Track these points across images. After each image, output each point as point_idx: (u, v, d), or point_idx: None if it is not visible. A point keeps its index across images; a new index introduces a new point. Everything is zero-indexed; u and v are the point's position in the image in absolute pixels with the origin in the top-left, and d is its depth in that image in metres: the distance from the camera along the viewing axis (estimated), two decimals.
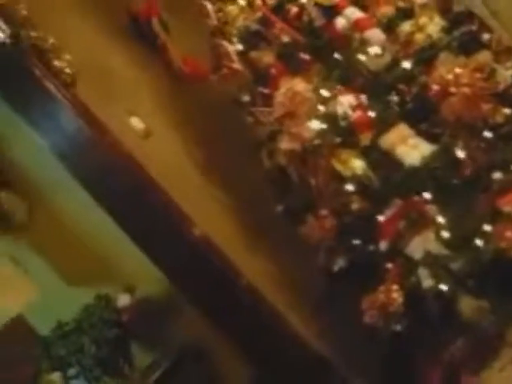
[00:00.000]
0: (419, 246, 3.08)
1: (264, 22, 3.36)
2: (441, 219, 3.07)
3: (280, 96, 3.22)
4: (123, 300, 3.41)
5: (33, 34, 3.40)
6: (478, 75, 3.10)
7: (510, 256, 2.93)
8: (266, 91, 3.31)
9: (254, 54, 3.34)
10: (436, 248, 3.05)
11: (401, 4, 3.31)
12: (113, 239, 3.34)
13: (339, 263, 3.25)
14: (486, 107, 3.10)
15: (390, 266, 3.09)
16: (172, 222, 3.30)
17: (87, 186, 3.27)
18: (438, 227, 3.05)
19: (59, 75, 3.40)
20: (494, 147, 3.10)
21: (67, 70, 3.44)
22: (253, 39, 3.37)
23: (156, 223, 3.28)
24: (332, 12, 3.31)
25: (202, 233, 3.28)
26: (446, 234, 3.04)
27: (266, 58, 3.31)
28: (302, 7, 3.33)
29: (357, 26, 3.26)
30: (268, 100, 3.29)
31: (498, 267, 2.96)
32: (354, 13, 3.29)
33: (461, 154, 3.07)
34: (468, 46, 3.21)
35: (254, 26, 3.37)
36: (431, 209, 3.08)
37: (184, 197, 3.32)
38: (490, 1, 4.27)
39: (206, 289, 3.25)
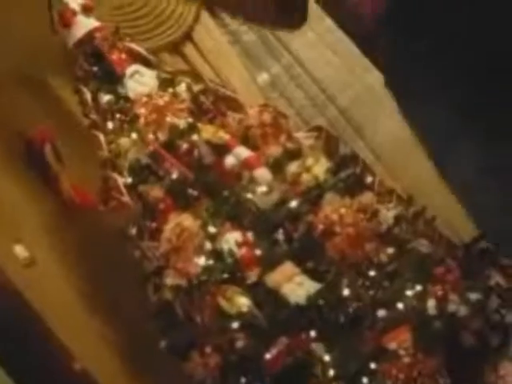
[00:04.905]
0: None
1: (155, 156, 3.38)
2: (327, 357, 3.07)
3: (167, 231, 3.21)
4: None
5: None
6: (361, 216, 3.21)
7: None
8: (153, 225, 3.30)
9: (142, 188, 3.34)
10: None
11: (289, 145, 3.41)
12: None
13: None
14: (369, 246, 3.19)
15: None
16: (51, 355, 3.19)
17: None
18: (324, 365, 3.05)
19: None
20: (378, 285, 3.17)
21: None
22: (143, 173, 3.38)
23: (34, 356, 3.16)
24: (222, 150, 3.38)
25: (82, 367, 3.18)
26: (331, 373, 3.04)
27: (155, 192, 3.31)
28: (192, 144, 3.37)
29: (245, 164, 3.33)
30: (155, 234, 3.27)
31: None
32: (243, 152, 3.36)
33: (346, 292, 3.12)
34: (352, 188, 3.31)
35: (145, 160, 3.39)
36: (317, 347, 3.09)
37: (66, 330, 3.22)
38: (374, 146, 4.55)
39: None
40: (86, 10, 3.74)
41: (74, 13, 3.70)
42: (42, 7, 3.73)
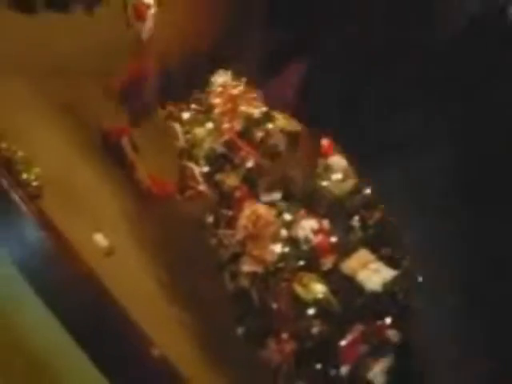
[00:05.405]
0: (382, 371, 3.08)
1: (230, 145, 3.42)
2: None
3: (243, 219, 3.24)
4: None
5: (2, 145, 3.46)
6: None
7: None
8: (229, 214, 3.33)
9: (218, 177, 3.39)
10: None
11: None
12: (67, 356, 3.25)
13: None
14: None
15: None
16: (131, 341, 3.24)
17: (45, 300, 3.22)
18: None
19: (26, 187, 3.43)
20: None
21: (35, 183, 3.47)
22: (218, 162, 3.43)
23: (114, 341, 3.22)
24: (296, 138, 3.40)
25: (161, 353, 3.22)
26: None
27: (231, 180, 3.35)
28: (267, 132, 3.41)
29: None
30: (231, 222, 3.31)
31: None
32: None
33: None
34: None
35: (220, 149, 3.43)
36: (392, 334, 3.10)
37: (145, 316, 3.27)
38: None
39: None
40: (160, 3, 3.81)
41: (148, 6, 3.77)
42: (115, 10, 3.82)
